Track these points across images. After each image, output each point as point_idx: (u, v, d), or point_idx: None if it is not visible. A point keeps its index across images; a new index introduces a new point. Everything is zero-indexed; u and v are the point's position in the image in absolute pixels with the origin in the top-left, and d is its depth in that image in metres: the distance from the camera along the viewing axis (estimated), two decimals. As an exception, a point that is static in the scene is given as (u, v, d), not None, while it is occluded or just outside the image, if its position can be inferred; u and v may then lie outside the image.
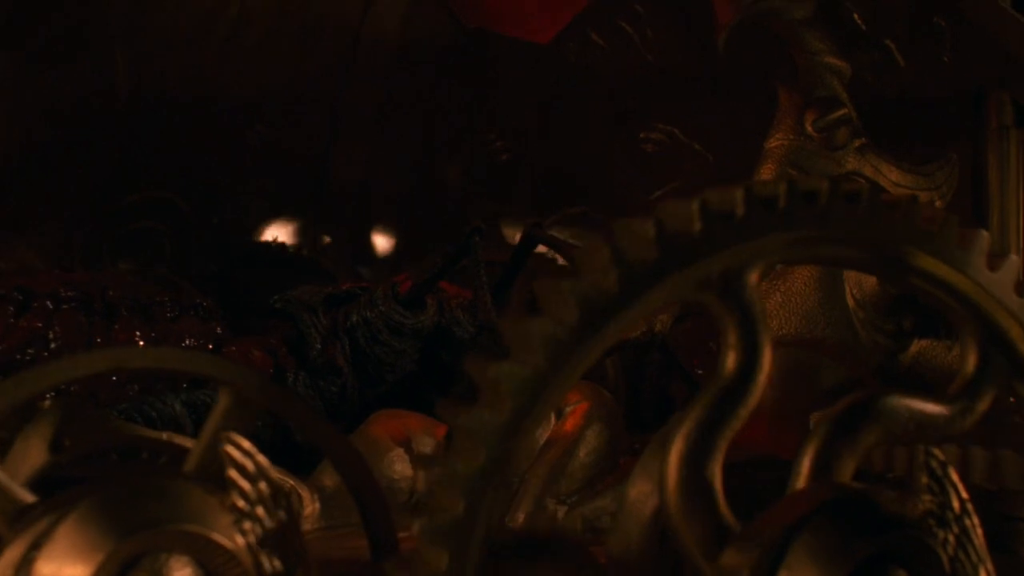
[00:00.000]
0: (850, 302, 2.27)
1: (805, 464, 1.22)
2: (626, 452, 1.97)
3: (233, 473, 1.07)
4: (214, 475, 1.08)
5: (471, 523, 0.99)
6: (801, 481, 1.22)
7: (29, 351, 2.02)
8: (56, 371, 1.10)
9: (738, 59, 2.39)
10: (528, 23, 2.81)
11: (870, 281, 2.26)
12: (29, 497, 1.05)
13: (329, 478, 1.82)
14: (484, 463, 0.97)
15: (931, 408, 1.17)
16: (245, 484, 1.07)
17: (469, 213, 3.06)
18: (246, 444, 1.08)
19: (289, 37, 3.01)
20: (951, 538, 1.18)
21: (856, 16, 2.43)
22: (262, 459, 1.08)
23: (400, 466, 1.82)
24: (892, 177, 2.33)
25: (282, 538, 1.08)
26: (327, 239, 3.14)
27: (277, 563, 1.07)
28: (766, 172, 2.32)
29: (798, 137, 2.30)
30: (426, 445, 1.83)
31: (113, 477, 1.08)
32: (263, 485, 1.08)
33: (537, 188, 3.13)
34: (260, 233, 3.08)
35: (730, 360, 1.08)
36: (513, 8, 2.83)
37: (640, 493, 1.38)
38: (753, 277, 1.08)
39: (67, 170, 2.77)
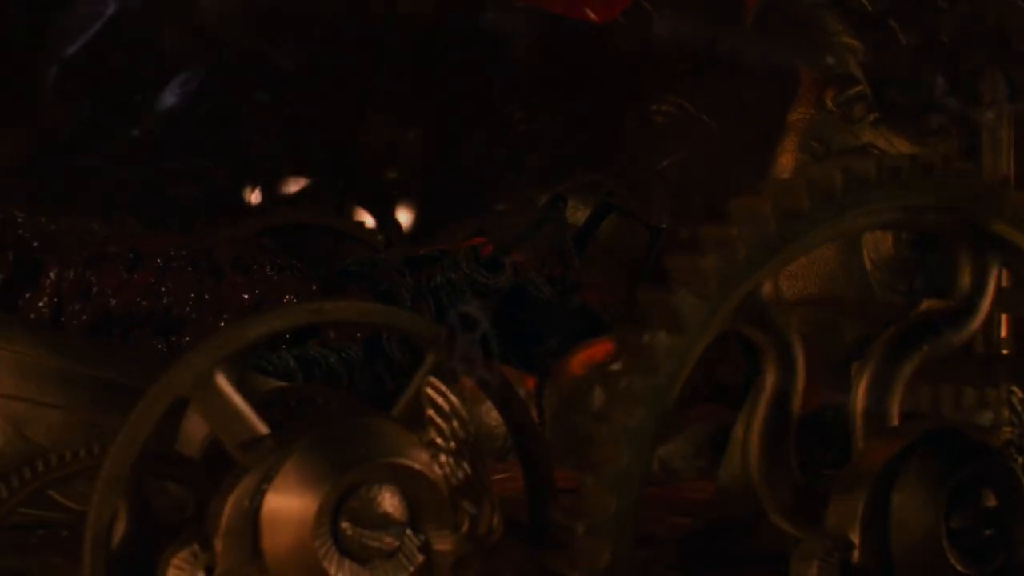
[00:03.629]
0: (867, 264, 2.45)
1: (860, 402, 1.42)
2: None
3: (431, 412, 1.22)
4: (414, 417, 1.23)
5: (633, 473, 1.17)
6: (860, 418, 1.42)
7: (143, 303, 2.14)
8: (265, 322, 1.23)
9: (762, 38, 2.55)
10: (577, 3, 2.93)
11: (886, 245, 2.44)
12: (263, 428, 1.18)
13: None
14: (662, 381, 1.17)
15: (948, 325, 1.37)
16: (442, 422, 1.22)
17: (488, 182, 3.20)
18: (443, 387, 1.22)
19: (323, 12, 3.10)
20: (1029, 463, 1.37)
21: (863, -3, 2.60)
22: (455, 399, 1.23)
23: (496, 414, 1.96)
24: (903, 149, 2.51)
25: (472, 471, 1.23)
26: (357, 208, 3.26)
27: (469, 492, 1.22)
28: (789, 143, 2.49)
29: (818, 111, 2.48)
30: (516, 395, 1.99)
31: (328, 419, 1.22)
32: (456, 423, 1.23)
33: (552, 158, 3.27)
34: (292, 201, 3.19)
35: None
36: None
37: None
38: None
39: (111, 142, 2.86)
